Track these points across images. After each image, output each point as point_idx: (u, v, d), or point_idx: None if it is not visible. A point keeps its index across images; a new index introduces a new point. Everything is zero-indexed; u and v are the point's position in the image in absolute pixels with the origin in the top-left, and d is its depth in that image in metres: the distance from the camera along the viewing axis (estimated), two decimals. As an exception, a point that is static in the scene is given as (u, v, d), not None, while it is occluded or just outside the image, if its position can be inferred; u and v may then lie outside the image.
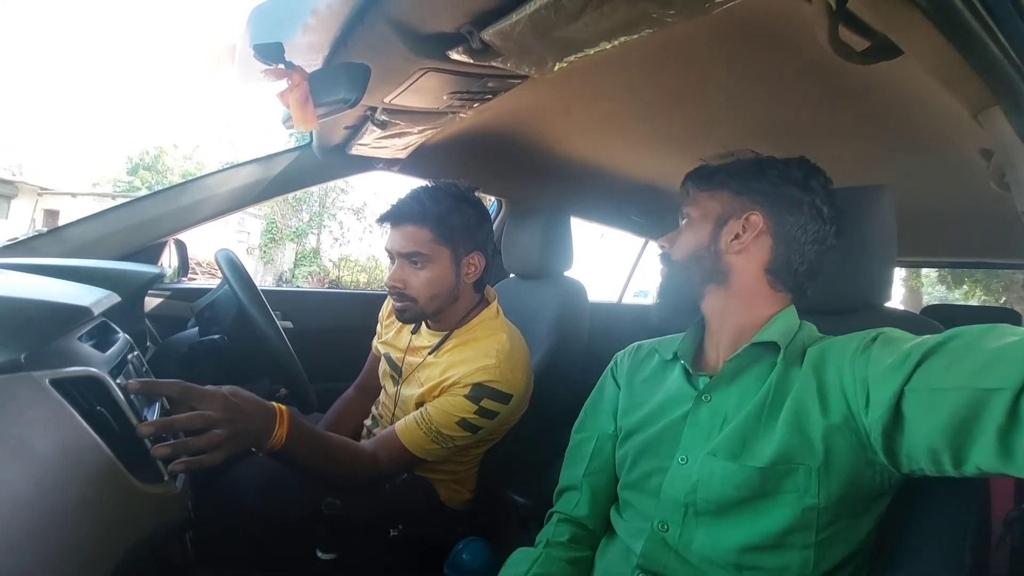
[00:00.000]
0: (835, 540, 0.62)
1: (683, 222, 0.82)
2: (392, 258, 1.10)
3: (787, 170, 0.75)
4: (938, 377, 0.53)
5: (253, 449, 0.81)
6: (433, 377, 1.07)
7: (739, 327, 0.75)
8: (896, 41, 0.56)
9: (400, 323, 1.22)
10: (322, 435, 0.94)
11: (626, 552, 0.73)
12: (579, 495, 0.83)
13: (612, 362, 0.92)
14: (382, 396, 1.28)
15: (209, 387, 0.75)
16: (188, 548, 0.74)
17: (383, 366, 1.27)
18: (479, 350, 1.06)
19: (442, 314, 1.11)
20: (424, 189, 1.10)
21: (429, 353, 1.13)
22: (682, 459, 0.71)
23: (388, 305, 1.30)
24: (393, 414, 1.19)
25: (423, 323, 1.17)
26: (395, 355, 1.22)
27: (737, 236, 0.75)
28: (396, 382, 1.20)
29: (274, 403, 0.85)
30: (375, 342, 1.35)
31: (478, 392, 1.01)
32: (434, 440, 1.01)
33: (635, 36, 0.69)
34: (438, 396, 1.04)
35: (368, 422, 1.31)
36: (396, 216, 1.07)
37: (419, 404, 1.07)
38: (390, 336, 1.27)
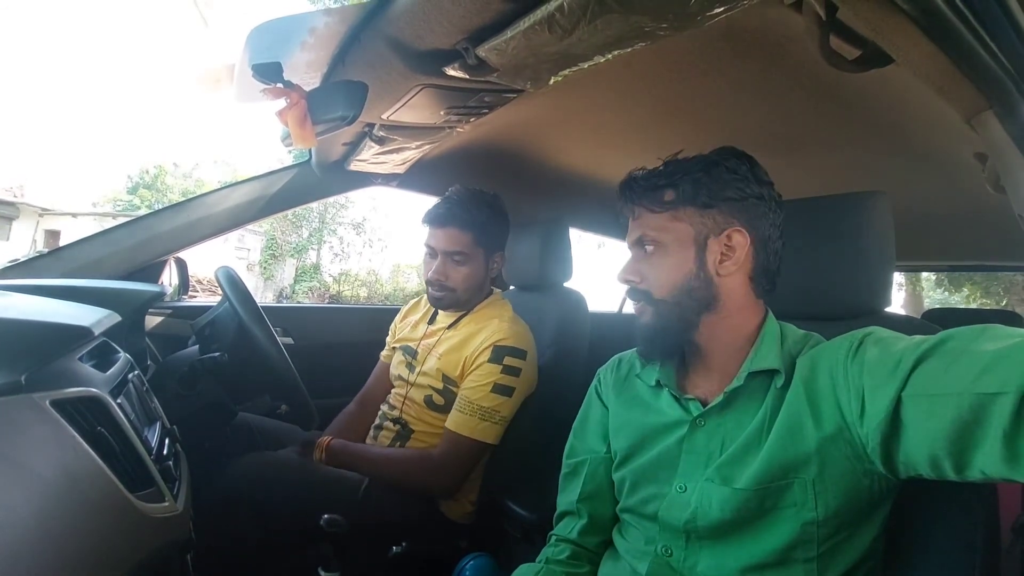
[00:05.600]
0: (838, 550, 0.62)
1: (648, 248, 0.73)
2: (434, 254, 1.25)
3: (736, 167, 0.70)
4: (936, 382, 0.52)
5: None
6: (454, 348, 1.23)
7: (730, 347, 0.71)
8: (887, 49, 0.57)
9: (416, 318, 1.40)
10: (367, 455, 1.20)
11: (631, 573, 0.73)
12: (576, 520, 0.82)
13: (595, 379, 0.89)
14: (394, 389, 1.35)
15: None
16: (190, 569, 0.74)
17: (398, 358, 1.36)
18: (489, 317, 1.25)
19: (467, 301, 1.29)
20: (466, 196, 1.25)
21: (448, 328, 1.29)
22: (680, 487, 0.69)
23: (403, 310, 1.49)
24: (407, 396, 1.27)
25: (438, 312, 1.35)
26: (411, 343, 1.35)
27: (724, 256, 0.70)
28: (412, 368, 1.30)
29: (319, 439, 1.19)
30: (384, 351, 1.45)
31: (498, 352, 1.16)
32: (481, 417, 1.13)
33: (628, 49, 0.70)
34: (466, 375, 1.18)
35: (376, 420, 1.34)
36: (444, 219, 1.23)
37: (441, 372, 1.22)
38: (406, 332, 1.40)
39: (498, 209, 1.29)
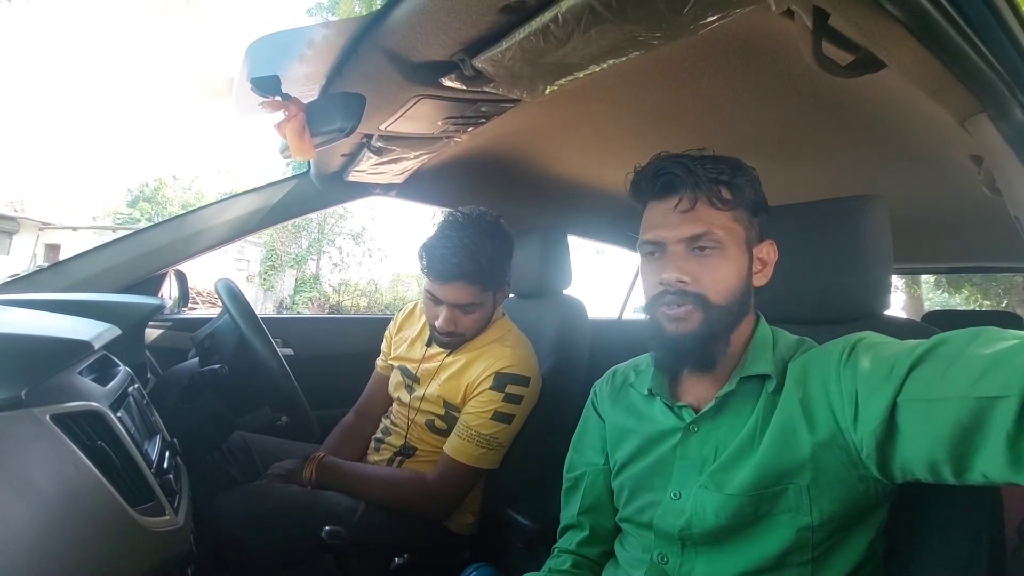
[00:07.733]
0: (832, 553, 0.61)
1: (705, 248, 0.66)
2: (439, 302, 1.16)
3: (750, 171, 0.71)
4: (933, 387, 0.52)
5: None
6: (456, 374, 1.20)
7: (727, 353, 0.70)
8: (879, 55, 0.57)
9: (412, 334, 1.34)
10: (360, 474, 1.16)
11: None
12: (579, 532, 0.82)
13: (592, 393, 0.89)
14: (395, 407, 1.33)
15: None
16: (190, 583, 0.73)
17: (396, 378, 1.32)
18: (491, 340, 1.22)
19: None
20: (469, 241, 1.12)
21: (448, 355, 1.23)
22: (674, 494, 0.69)
23: (398, 319, 1.42)
24: (412, 420, 1.24)
25: None
26: (410, 366, 1.30)
27: (762, 264, 0.70)
28: (412, 390, 1.27)
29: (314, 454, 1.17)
30: (380, 360, 1.42)
31: (501, 380, 1.14)
32: (478, 444, 1.10)
33: (623, 58, 0.71)
34: (467, 401, 1.16)
35: (378, 434, 1.33)
36: (450, 275, 1.12)
37: (443, 399, 1.19)
38: (402, 351, 1.34)
39: (502, 239, 1.19)
